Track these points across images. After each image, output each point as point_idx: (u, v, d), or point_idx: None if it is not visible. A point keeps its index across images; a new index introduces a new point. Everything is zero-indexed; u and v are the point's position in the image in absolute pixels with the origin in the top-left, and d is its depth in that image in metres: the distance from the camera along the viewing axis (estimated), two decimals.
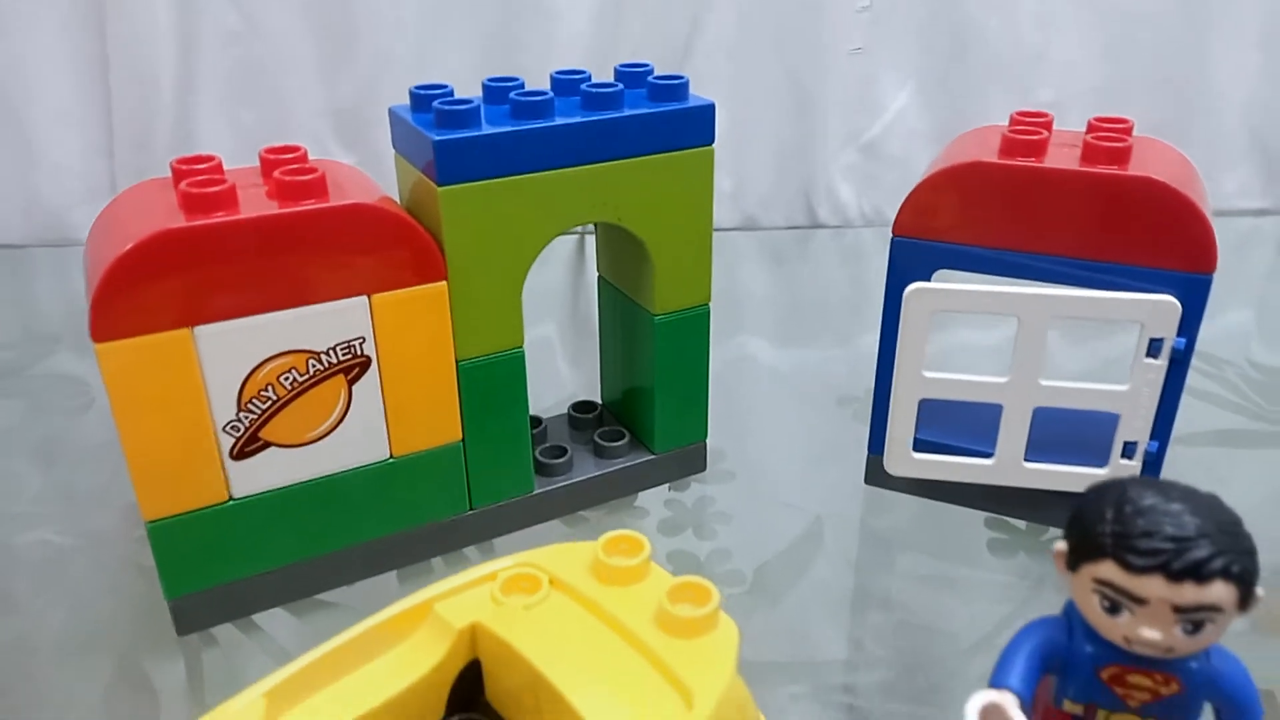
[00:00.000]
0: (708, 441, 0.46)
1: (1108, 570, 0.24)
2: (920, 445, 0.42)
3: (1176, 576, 0.24)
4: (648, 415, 0.44)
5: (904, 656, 0.36)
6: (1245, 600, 0.24)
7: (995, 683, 0.26)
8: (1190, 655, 0.25)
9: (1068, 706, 0.27)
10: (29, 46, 0.71)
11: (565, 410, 0.48)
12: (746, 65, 0.75)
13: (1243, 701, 0.26)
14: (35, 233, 0.76)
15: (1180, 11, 0.75)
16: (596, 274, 0.46)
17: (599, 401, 0.48)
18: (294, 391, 0.35)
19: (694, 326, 0.43)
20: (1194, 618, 0.24)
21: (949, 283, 0.39)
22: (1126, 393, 0.38)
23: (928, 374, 0.40)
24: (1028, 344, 0.38)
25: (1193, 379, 0.52)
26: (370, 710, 0.26)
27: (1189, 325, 0.37)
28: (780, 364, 0.58)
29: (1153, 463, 0.39)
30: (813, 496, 0.45)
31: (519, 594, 0.28)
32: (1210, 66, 0.77)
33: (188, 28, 0.71)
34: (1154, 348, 0.37)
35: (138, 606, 0.38)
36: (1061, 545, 0.26)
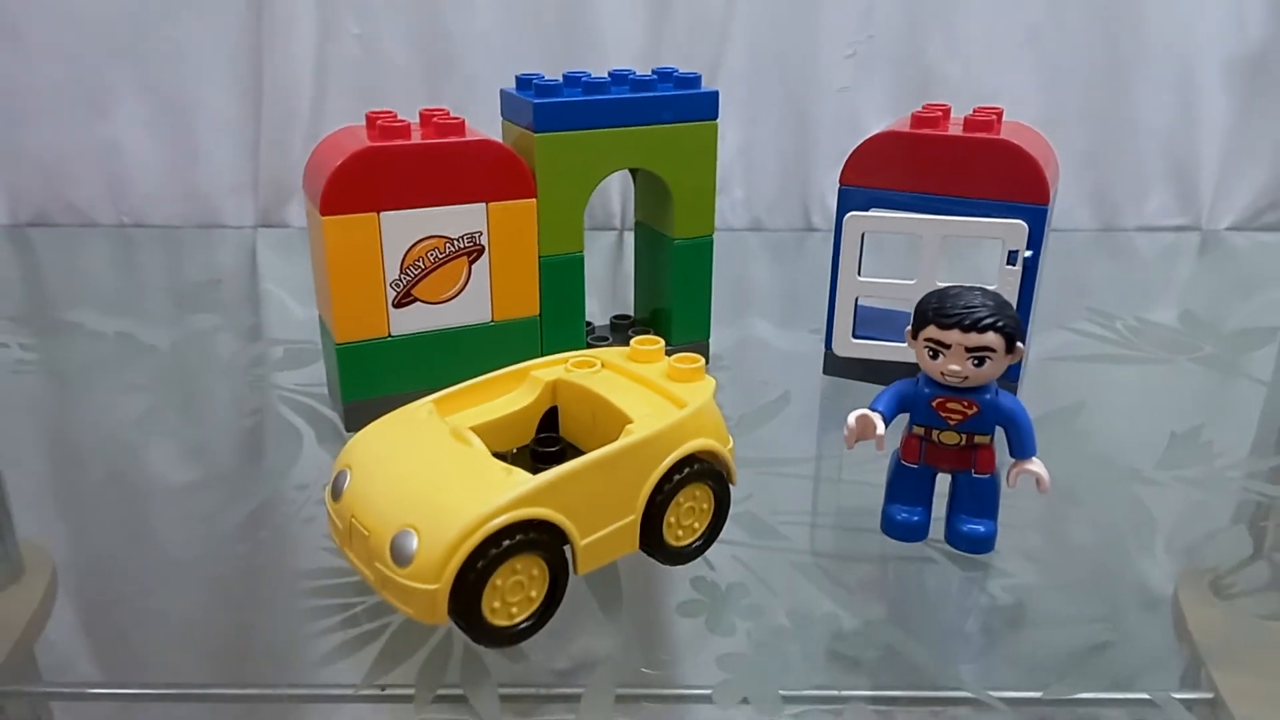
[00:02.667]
0: (710, 341, 0.63)
1: (930, 331, 0.41)
2: (858, 339, 0.59)
3: (966, 329, 0.40)
4: (667, 316, 0.62)
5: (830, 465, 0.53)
6: (1011, 347, 0.41)
7: (870, 406, 0.43)
8: (984, 388, 0.42)
9: (915, 430, 0.44)
10: (202, 71, 0.92)
11: (608, 320, 0.66)
12: (756, 97, 0.94)
13: (1018, 420, 0.42)
14: (191, 217, 0.97)
15: (1107, 59, 0.93)
16: (635, 220, 0.65)
17: (632, 315, 0.66)
18: (435, 264, 0.53)
19: (701, 250, 0.60)
20: (978, 355, 0.41)
21: (872, 212, 0.57)
22: (994, 290, 0.55)
23: (860, 279, 0.57)
24: (927, 256, 0.55)
25: (1089, 328, 0.70)
26: (495, 419, 0.44)
27: (1034, 241, 0.54)
28: (776, 337, 0.73)
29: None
30: (785, 381, 0.62)
31: (582, 368, 0.46)
32: (1132, 105, 0.95)
33: (322, 58, 0.92)
34: (1011, 257, 0.54)
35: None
36: (909, 328, 0.43)
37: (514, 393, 0.45)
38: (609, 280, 0.85)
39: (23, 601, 0.42)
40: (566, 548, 0.38)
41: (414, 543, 0.35)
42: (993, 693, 0.36)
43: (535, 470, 0.37)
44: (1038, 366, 0.65)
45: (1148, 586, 0.44)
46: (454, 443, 0.39)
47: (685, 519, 0.42)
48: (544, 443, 0.44)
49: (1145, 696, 0.36)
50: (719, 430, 0.43)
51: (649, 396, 0.43)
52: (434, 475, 0.38)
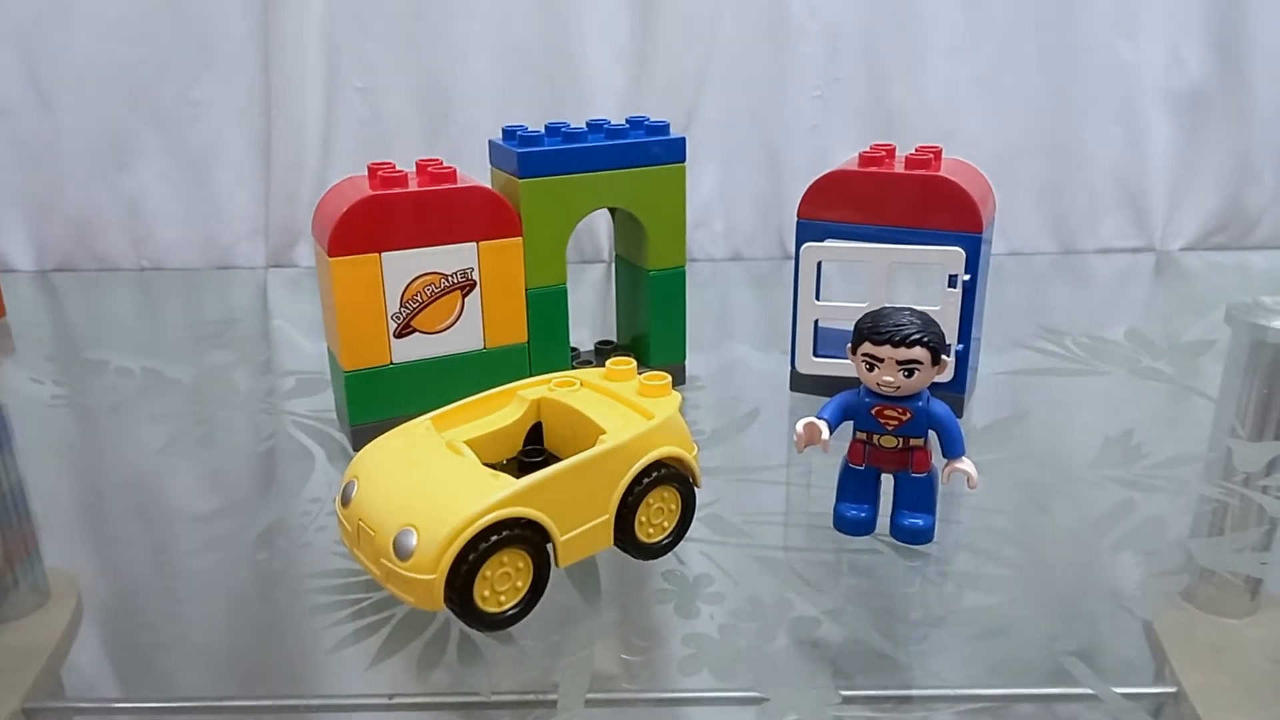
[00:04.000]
0: (686, 363, 0.69)
1: (866, 346, 0.47)
2: (819, 358, 0.65)
3: (896, 344, 0.46)
4: (645, 341, 0.68)
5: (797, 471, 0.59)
6: (936, 359, 0.47)
7: (817, 415, 0.49)
8: (916, 397, 0.48)
9: (859, 435, 0.49)
10: (217, 127, 0.99)
11: (593, 345, 0.72)
12: (732, 138, 1.01)
13: (947, 424, 0.48)
14: (206, 260, 1.03)
15: (1056, 99, 1.00)
16: (615, 254, 0.70)
17: (615, 340, 0.72)
18: (431, 298, 0.59)
19: (675, 280, 0.66)
20: (908, 367, 0.46)
21: (826, 243, 0.62)
22: (939, 311, 0.61)
23: (818, 303, 0.63)
24: (876, 281, 0.61)
25: (1040, 344, 0.76)
26: (486, 434, 0.49)
27: (972, 266, 0.60)
28: (752, 358, 0.79)
29: (961, 357, 0.62)
30: (753, 396, 0.68)
31: (563, 387, 0.52)
32: (1083, 139, 1.01)
33: (329, 115, 0.99)
34: (951, 281, 0.60)
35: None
36: (850, 345, 0.49)
37: (503, 410, 0.51)
38: (598, 309, 0.91)
39: (50, 625, 0.46)
40: (549, 545, 0.43)
41: (413, 539, 0.40)
42: (954, 690, 0.41)
43: (521, 478, 0.43)
44: (989, 380, 0.70)
45: (1089, 579, 0.48)
46: (448, 454, 0.45)
47: (655, 518, 0.47)
48: (530, 454, 0.50)
49: (1087, 691, 0.40)
50: (684, 438, 0.48)
51: (621, 410, 0.49)
52: (431, 481, 0.43)
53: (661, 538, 0.48)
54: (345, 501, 0.44)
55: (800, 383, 0.66)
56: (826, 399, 0.50)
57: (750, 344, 0.81)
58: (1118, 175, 1.02)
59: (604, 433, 0.46)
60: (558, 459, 0.48)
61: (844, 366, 0.63)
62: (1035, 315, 0.84)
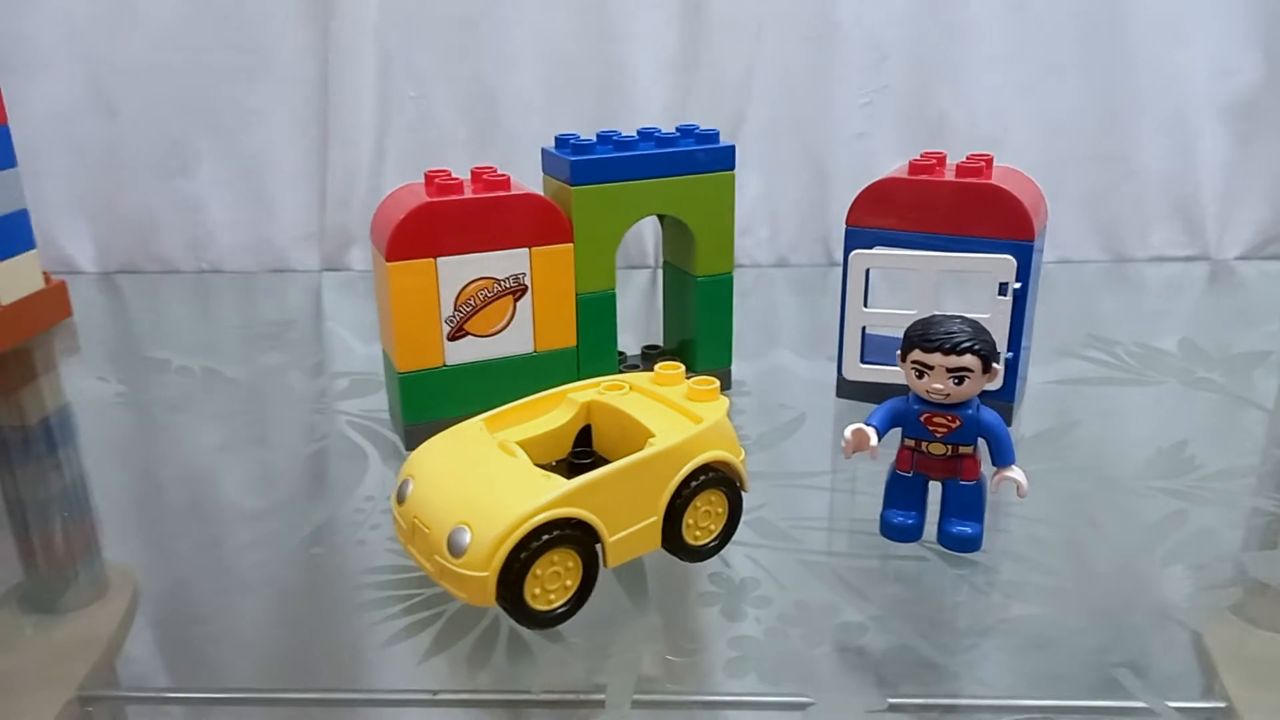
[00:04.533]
0: (732, 368, 0.70)
1: (916, 354, 0.47)
2: (866, 364, 0.65)
3: (946, 352, 0.46)
4: (692, 346, 0.68)
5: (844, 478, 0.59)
6: (986, 367, 0.47)
7: (865, 422, 0.49)
8: (966, 404, 0.48)
9: (907, 442, 0.49)
10: (273, 133, 1.02)
11: (640, 350, 0.72)
12: (777, 146, 1.01)
13: (997, 432, 0.48)
14: (262, 263, 1.06)
15: (1105, 104, 0.99)
16: (663, 260, 0.71)
17: (661, 345, 0.73)
18: (484, 302, 0.60)
19: (722, 286, 0.67)
20: (958, 375, 0.46)
21: (875, 250, 0.63)
22: (988, 319, 0.60)
23: (866, 309, 0.63)
24: (924, 289, 0.61)
25: (1091, 353, 0.75)
26: (537, 435, 0.50)
27: (1023, 274, 0.59)
28: (797, 365, 0.79)
29: (1011, 366, 0.61)
30: (799, 402, 0.68)
31: (613, 391, 0.52)
32: (1130, 147, 1.00)
33: (381, 120, 1.01)
34: (1002, 289, 0.60)
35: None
36: (899, 352, 0.49)
37: (553, 412, 0.52)
38: (643, 314, 0.91)
39: (107, 617, 0.47)
40: (598, 546, 0.44)
41: (467, 537, 0.41)
42: (995, 700, 0.41)
43: (571, 479, 0.44)
44: (1038, 389, 0.70)
45: (1131, 587, 0.48)
46: (501, 454, 0.46)
47: (702, 521, 0.48)
48: (580, 455, 0.51)
49: (1137, 704, 0.39)
50: (732, 443, 0.49)
51: (670, 414, 0.49)
52: (484, 480, 0.44)
53: (708, 540, 0.48)
54: (400, 499, 0.46)
55: (847, 389, 0.67)
56: (873, 406, 0.50)
57: (795, 350, 0.82)
58: (1168, 183, 1.01)
59: (653, 436, 0.47)
60: (607, 461, 0.49)
61: (891, 373, 0.64)
62: (1085, 324, 0.83)
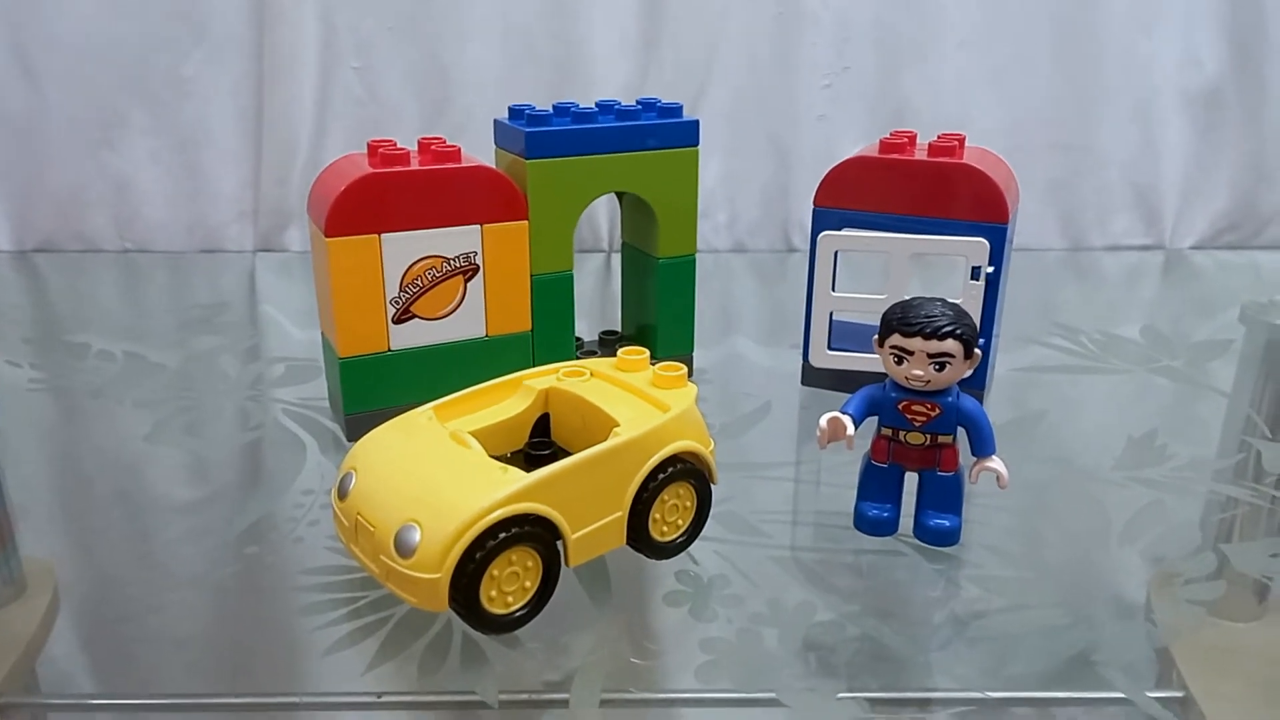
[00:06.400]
0: (694, 355, 0.67)
1: (895, 338, 0.45)
2: (834, 351, 0.62)
3: (927, 337, 0.44)
4: (652, 332, 0.65)
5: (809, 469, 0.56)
6: (968, 352, 0.44)
7: (840, 410, 0.46)
8: (946, 392, 0.45)
9: (883, 431, 0.47)
10: (207, 106, 0.96)
11: (597, 336, 0.69)
12: (738, 127, 0.99)
13: (978, 421, 0.45)
14: (193, 242, 1.00)
15: (1071, 92, 0.98)
16: (621, 241, 0.68)
17: (620, 330, 0.69)
18: (432, 283, 0.56)
19: (684, 268, 0.64)
20: (939, 360, 0.44)
21: (844, 231, 0.60)
22: (960, 304, 0.58)
23: (834, 294, 0.61)
24: (895, 272, 0.59)
25: (1056, 341, 0.74)
26: (491, 425, 0.46)
27: (995, 257, 0.57)
28: (758, 352, 0.76)
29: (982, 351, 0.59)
30: (762, 390, 0.65)
31: (573, 377, 0.49)
32: (1096, 136, 0.99)
33: (323, 95, 0.96)
34: (975, 273, 0.58)
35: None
36: (876, 337, 0.46)
37: (509, 400, 0.48)
38: (598, 299, 0.88)
39: (25, 617, 0.43)
40: (559, 542, 0.41)
41: (416, 535, 0.38)
42: (966, 693, 0.39)
43: (529, 471, 0.40)
44: (1006, 377, 0.68)
45: (1108, 581, 0.47)
46: (453, 445, 0.42)
47: (669, 515, 0.45)
48: (537, 446, 0.47)
49: (1117, 695, 0.38)
50: (700, 433, 0.46)
51: (635, 402, 0.46)
52: (435, 474, 0.40)
53: (676, 536, 0.45)
54: (342, 494, 0.42)
55: (813, 376, 0.64)
56: (841, 394, 0.47)
57: (755, 338, 0.79)
58: (1130, 173, 1.01)
59: (617, 425, 0.44)
60: (567, 453, 0.46)
61: (859, 360, 0.61)
62: (1047, 311, 0.82)
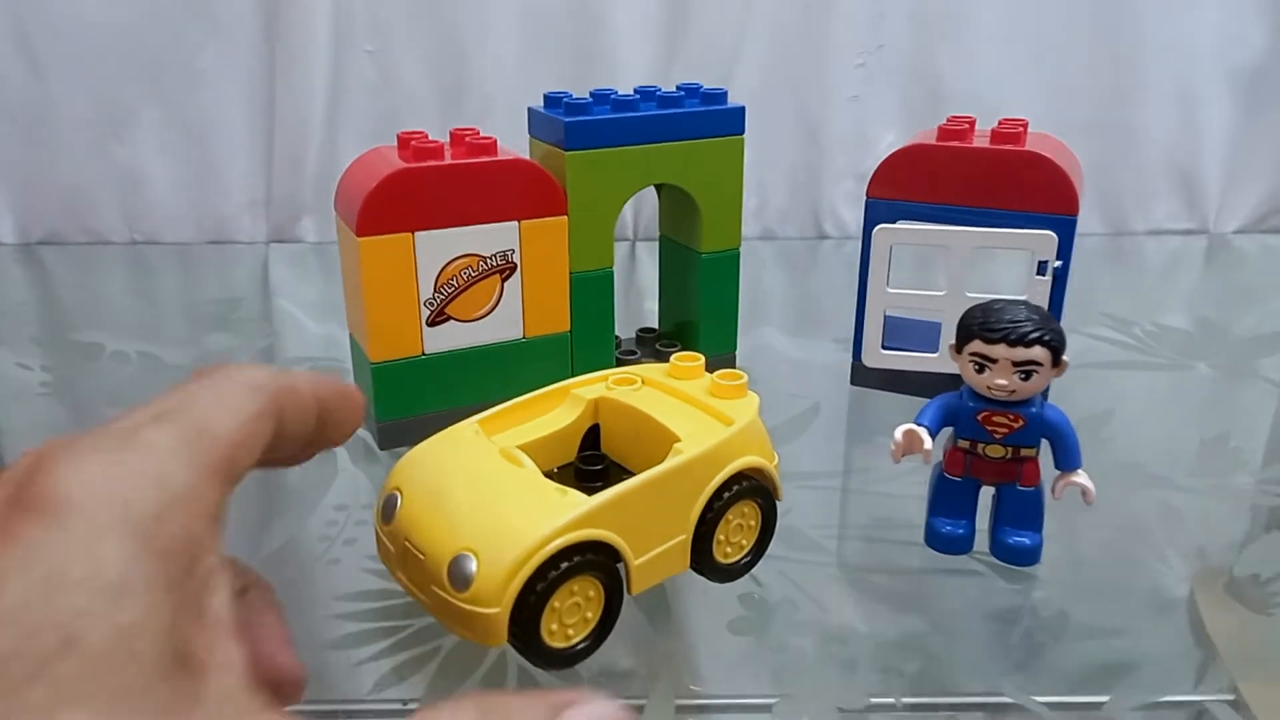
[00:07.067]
0: (736, 354, 0.64)
1: (976, 345, 0.41)
2: (887, 350, 0.59)
3: (1013, 343, 0.41)
4: (694, 329, 0.62)
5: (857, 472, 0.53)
6: (1056, 360, 0.41)
7: (915, 421, 0.43)
8: (1029, 402, 0.42)
9: (960, 444, 0.44)
10: (218, 93, 0.92)
11: (633, 334, 0.66)
12: (768, 109, 0.95)
13: (1064, 433, 0.43)
14: (203, 233, 0.97)
15: (1111, 72, 0.94)
16: (660, 234, 0.65)
17: (657, 328, 0.66)
18: (468, 283, 0.53)
19: (728, 263, 0.61)
20: (1025, 369, 0.41)
21: (900, 224, 0.57)
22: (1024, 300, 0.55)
23: (889, 290, 0.57)
24: (957, 267, 0.56)
25: (1107, 333, 0.71)
26: (539, 439, 0.43)
27: (1063, 251, 0.54)
28: (793, 346, 0.74)
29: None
30: (813, 391, 0.62)
31: (623, 385, 0.46)
32: (1137, 117, 0.96)
33: (336, 81, 0.92)
34: (1041, 268, 0.55)
35: None
36: (953, 342, 0.43)
37: (556, 410, 0.45)
38: (624, 292, 0.85)
39: None
40: (620, 566, 0.38)
41: (473, 566, 0.35)
42: (1035, 697, 0.37)
43: (580, 489, 0.37)
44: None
45: (1184, 598, 0.44)
46: (505, 463, 0.39)
47: (734, 536, 0.42)
48: (588, 460, 0.44)
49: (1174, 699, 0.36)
50: (765, 447, 0.43)
51: (693, 413, 0.43)
52: (488, 497, 0.37)
53: (740, 557, 0.42)
54: (387, 518, 0.39)
55: (864, 376, 0.61)
56: (893, 395, 0.44)
57: (793, 332, 0.76)
58: (1172, 155, 0.97)
59: (678, 440, 0.40)
60: (618, 466, 0.43)
61: (915, 360, 0.58)
62: (1094, 300, 0.79)
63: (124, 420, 0.22)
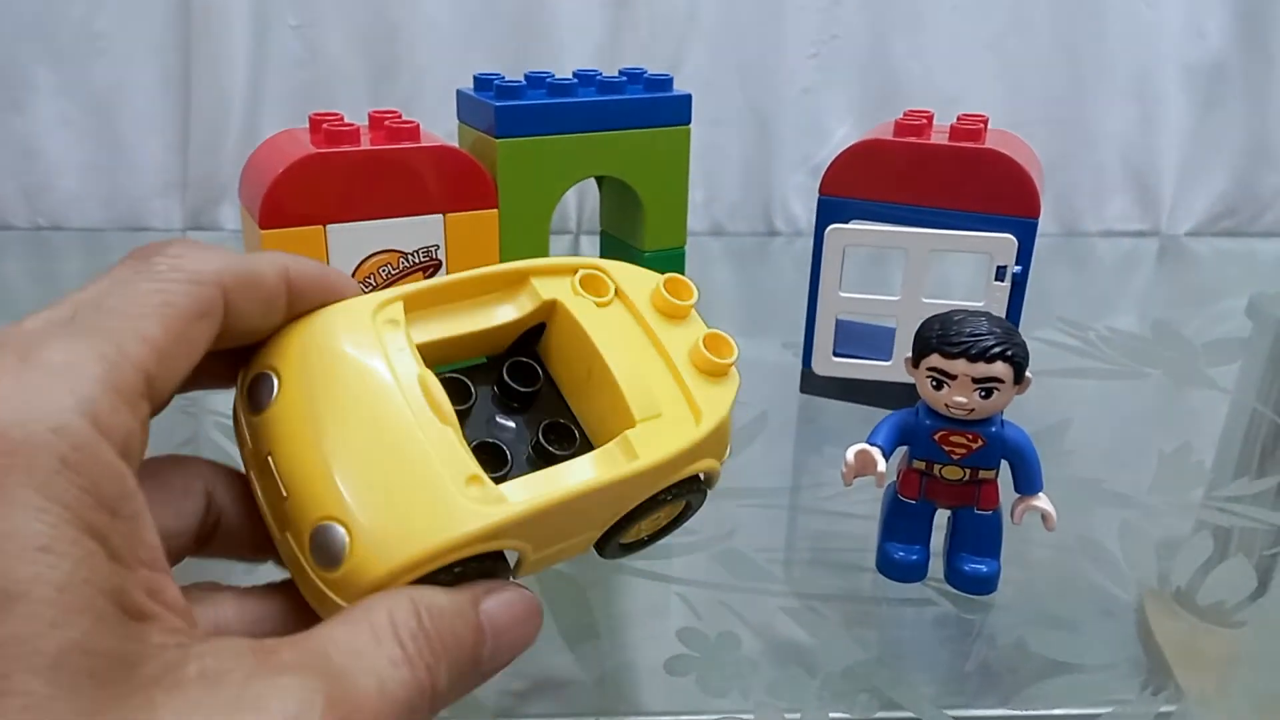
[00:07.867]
0: None
1: (934, 359, 0.38)
2: (838, 357, 0.56)
3: (973, 359, 0.38)
4: None
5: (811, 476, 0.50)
6: (1019, 378, 0.38)
7: (868, 440, 0.40)
8: (989, 421, 0.39)
9: (915, 464, 0.41)
10: (126, 63, 0.86)
11: None
12: (718, 99, 0.91)
13: (1026, 454, 0.40)
14: (113, 219, 0.90)
15: (1068, 67, 0.92)
16: (600, 229, 0.61)
17: None
18: (388, 281, 0.49)
19: (673, 263, 0.57)
20: (985, 386, 0.38)
21: (853, 224, 0.54)
22: (982, 307, 0.52)
23: (842, 294, 0.54)
24: (912, 270, 0.53)
25: (1060, 338, 0.68)
26: (469, 333, 0.33)
27: (1023, 256, 0.51)
28: (743, 347, 0.71)
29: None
30: (760, 399, 0.59)
31: (591, 293, 0.35)
32: (1093, 112, 0.94)
33: (259, 52, 0.86)
34: (999, 273, 0.52)
35: None
36: (909, 355, 0.40)
37: (503, 300, 0.34)
38: None
39: None
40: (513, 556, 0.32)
41: (342, 543, 0.26)
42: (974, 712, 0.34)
43: (500, 411, 0.32)
44: None
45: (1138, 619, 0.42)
46: (421, 405, 0.29)
47: (648, 525, 0.37)
48: (517, 371, 0.34)
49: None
50: (723, 445, 0.36)
51: (662, 383, 0.34)
52: (385, 452, 0.28)
53: (644, 535, 0.37)
54: (255, 405, 0.28)
55: (814, 384, 0.58)
56: (843, 404, 0.41)
57: (736, 333, 0.72)
58: (1127, 152, 0.95)
59: (632, 425, 0.32)
60: (551, 386, 0.34)
61: (867, 369, 0.55)
62: (1047, 303, 0.77)
63: (24, 329, 0.21)
